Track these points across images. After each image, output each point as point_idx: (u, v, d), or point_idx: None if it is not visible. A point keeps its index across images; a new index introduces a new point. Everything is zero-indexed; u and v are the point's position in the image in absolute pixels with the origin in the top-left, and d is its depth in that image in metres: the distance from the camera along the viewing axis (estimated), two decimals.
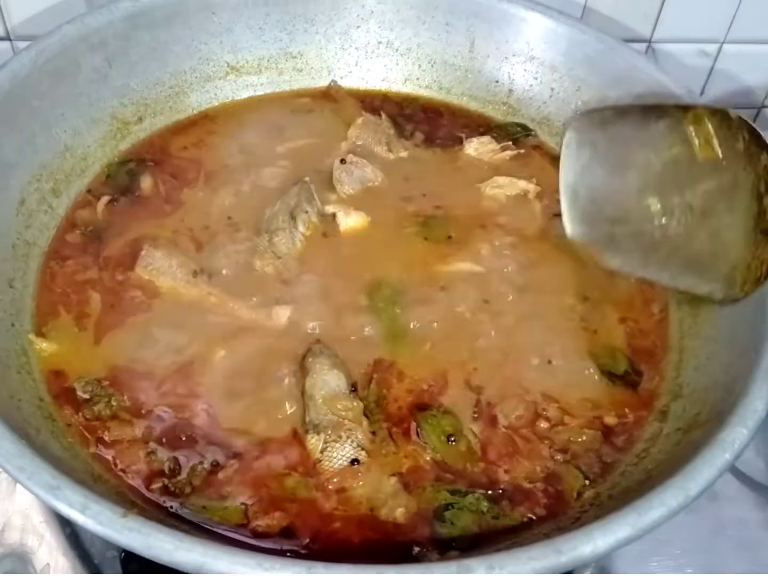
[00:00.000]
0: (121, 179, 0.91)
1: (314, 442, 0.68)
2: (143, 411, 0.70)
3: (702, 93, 1.18)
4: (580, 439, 0.72)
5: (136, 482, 0.66)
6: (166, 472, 0.66)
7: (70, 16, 0.88)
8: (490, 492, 0.68)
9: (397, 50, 1.05)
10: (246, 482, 0.67)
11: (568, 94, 0.99)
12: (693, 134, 0.77)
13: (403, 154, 0.96)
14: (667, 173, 0.79)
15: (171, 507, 0.65)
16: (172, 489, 0.65)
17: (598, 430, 0.73)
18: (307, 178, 0.91)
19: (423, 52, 1.04)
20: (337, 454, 0.68)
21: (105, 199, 0.88)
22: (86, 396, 0.70)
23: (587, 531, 0.53)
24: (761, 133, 0.74)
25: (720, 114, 0.76)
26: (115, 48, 0.91)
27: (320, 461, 0.68)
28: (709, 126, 0.76)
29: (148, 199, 0.89)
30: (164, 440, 0.69)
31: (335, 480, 0.67)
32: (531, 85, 1.01)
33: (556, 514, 0.67)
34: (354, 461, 0.68)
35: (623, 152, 0.81)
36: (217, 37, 0.99)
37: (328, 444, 0.68)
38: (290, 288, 0.81)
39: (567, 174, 0.82)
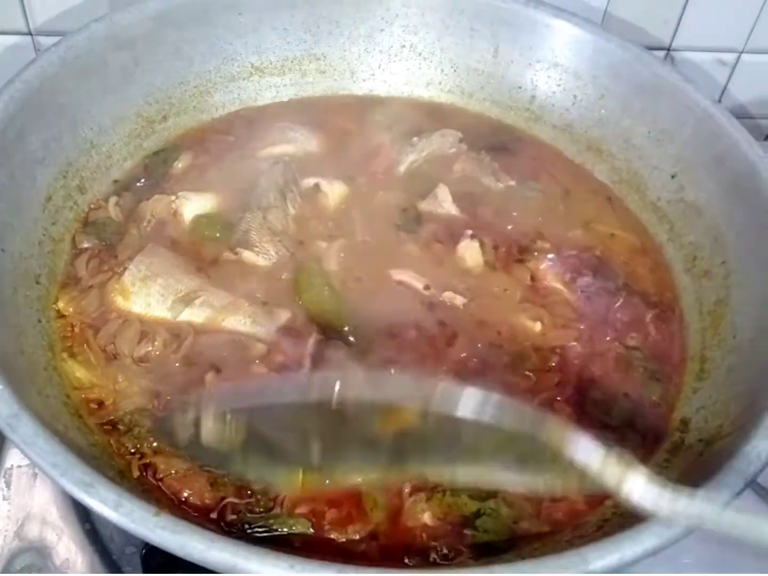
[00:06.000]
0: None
1: None
2: None
3: (719, 101, 1.17)
4: None
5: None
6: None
7: (92, 13, 0.89)
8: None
9: (420, 54, 1.05)
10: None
11: (591, 101, 0.99)
12: None
13: (512, 182, 0.95)
14: None
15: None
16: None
17: None
18: (287, 158, 0.92)
19: (446, 56, 1.04)
20: None
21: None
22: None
23: (615, 540, 0.54)
24: None
25: None
26: (142, 46, 0.91)
27: None
28: None
29: None
30: None
31: None
32: (554, 92, 1.01)
33: (578, 521, 0.67)
34: None
35: None
36: (243, 38, 0.99)
37: None
38: None
39: None
